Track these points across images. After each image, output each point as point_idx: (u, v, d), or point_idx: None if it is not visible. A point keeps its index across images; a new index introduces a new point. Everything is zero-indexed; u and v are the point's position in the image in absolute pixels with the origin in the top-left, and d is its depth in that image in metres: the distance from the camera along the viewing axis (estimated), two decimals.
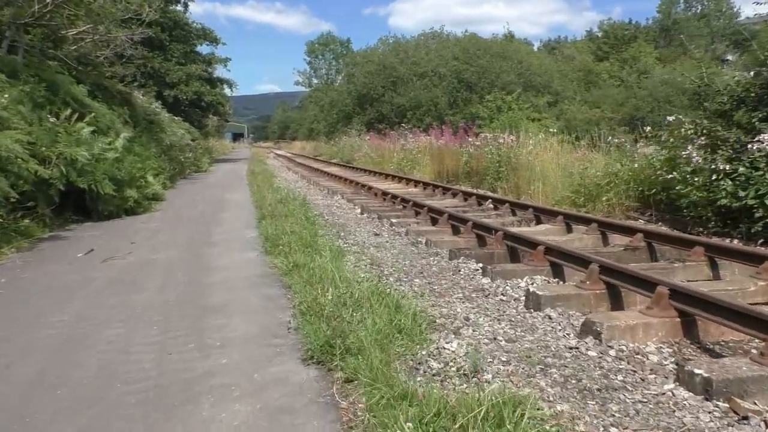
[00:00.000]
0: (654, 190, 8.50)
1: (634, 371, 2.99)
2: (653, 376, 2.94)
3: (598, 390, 2.74)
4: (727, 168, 7.07)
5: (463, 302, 4.22)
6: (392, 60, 37.36)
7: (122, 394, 2.73)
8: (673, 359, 3.18)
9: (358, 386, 2.66)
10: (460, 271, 5.23)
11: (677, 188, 7.73)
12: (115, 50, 14.34)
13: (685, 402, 2.64)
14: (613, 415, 2.49)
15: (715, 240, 6.27)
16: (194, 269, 5.35)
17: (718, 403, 2.62)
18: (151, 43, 21.83)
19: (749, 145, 6.95)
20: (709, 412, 2.54)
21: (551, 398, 2.60)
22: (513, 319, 3.82)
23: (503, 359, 3.06)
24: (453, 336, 3.38)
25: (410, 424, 2.18)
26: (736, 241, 6.59)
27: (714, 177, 7.16)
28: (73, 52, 12.49)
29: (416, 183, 14.21)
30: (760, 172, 6.69)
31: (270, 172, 18.81)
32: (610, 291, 4.16)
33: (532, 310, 4.03)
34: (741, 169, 6.89)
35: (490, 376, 2.81)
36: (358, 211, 9.56)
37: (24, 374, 2.98)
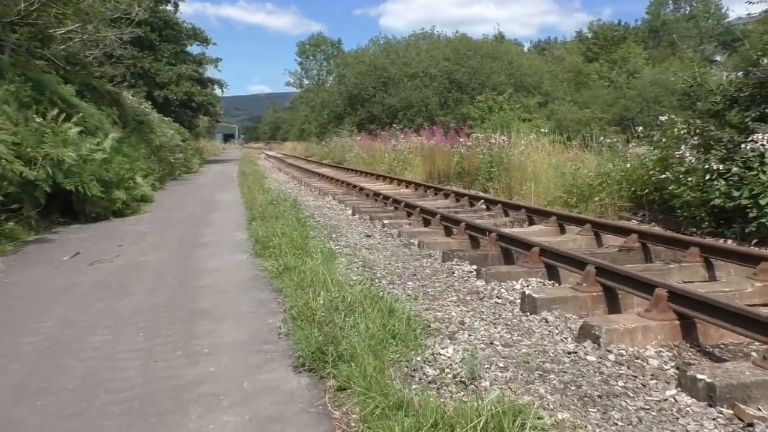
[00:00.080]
0: (647, 191, 8.47)
1: (635, 376, 2.92)
2: (654, 381, 2.87)
3: (599, 397, 2.67)
4: (721, 168, 7.04)
5: (457, 305, 4.14)
6: (383, 61, 37.35)
7: (106, 404, 2.62)
8: (673, 363, 3.11)
9: (351, 395, 2.57)
10: (453, 273, 5.15)
11: (670, 188, 7.70)
12: (104, 50, 14.14)
13: (688, 409, 2.57)
14: (616, 424, 2.41)
15: (710, 241, 6.23)
16: (183, 272, 5.23)
17: (721, 409, 2.55)
18: (141, 43, 21.65)
19: (742, 145, 6.93)
20: (713, 419, 2.48)
21: (551, 406, 2.53)
22: (509, 323, 3.75)
23: (501, 365, 2.98)
24: (448, 341, 3.30)
25: None
26: (729, 242, 6.56)
27: (707, 177, 7.13)
28: (61, 52, 12.29)
29: (408, 183, 14.13)
30: (754, 172, 6.67)
31: (261, 173, 18.68)
32: (607, 293, 4.09)
33: (528, 313, 3.96)
34: (734, 169, 6.87)
35: (487, 383, 2.73)
36: (350, 212, 9.47)
37: (4, 384, 2.86)
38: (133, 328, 3.66)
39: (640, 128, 9.68)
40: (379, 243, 6.64)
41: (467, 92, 33.88)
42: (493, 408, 2.19)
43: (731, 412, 2.54)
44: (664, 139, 8.40)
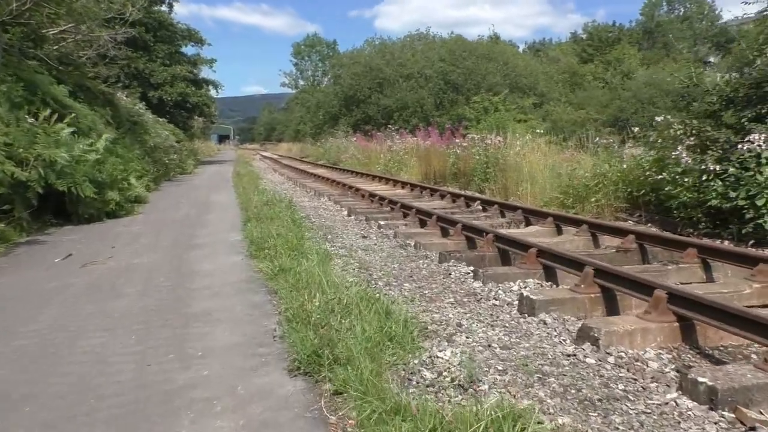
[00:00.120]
0: (643, 191, 8.45)
1: (635, 379, 2.88)
2: (655, 384, 2.83)
3: (600, 400, 2.62)
4: (717, 168, 7.02)
5: (455, 307, 4.09)
6: (378, 61, 37.32)
7: (96, 410, 2.56)
8: (673, 366, 3.07)
9: (347, 399, 2.51)
10: (450, 274, 5.11)
11: (667, 189, 7.68)
12: (98, 50, 14.03)
13: (689, 412, 2.53)
14: (617, 429, 2.37)
15: (708, 242, 6.20)
16: (177, 274, 5.17)
17: (723, 413, 2.51)
18: (135, 44, 21.51)
19: (739, 145, 6.91)
20: (715, 423, 2.44)
21: (552, 410, 2.48)
22: (507, 325, 3.70)
23: (499, 368, 2.94)
24: (446, 343, 3.25)
25: None
26: (726, 242, 6.54)
27: (704, 178, 7.11)
28: (54, 52, 12.17)
29: (403, 184, 14.08)
30: (750, 173, 6.65)
31: (256, 174, 18.59)
32: (605, 295, 4.05)
33: (526, 315, 3.91)
34: (731, 170, 6.85)
35: (486, 386, 2.68)
36: (346, 213, 9.42)
37: None
38: (124, 331, 3.59)
39: (636, 129, 9.66)
40: (375, 244, 6.59)
41: (462, 93, 33.88)
42: (492, 413, 2.15)
43: (733, 415, 2.50)
44: (660, 140, 8.38)
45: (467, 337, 3.40)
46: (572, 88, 44.76)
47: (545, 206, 9.55)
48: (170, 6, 25.55)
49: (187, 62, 27.37)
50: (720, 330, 3.32)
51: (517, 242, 5.48)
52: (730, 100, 7.86)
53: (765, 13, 8.59)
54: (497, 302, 4.23)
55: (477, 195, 11.25)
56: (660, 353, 3.25)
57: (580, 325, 3.48)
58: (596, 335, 3.28)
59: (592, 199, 8.84)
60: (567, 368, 2.99)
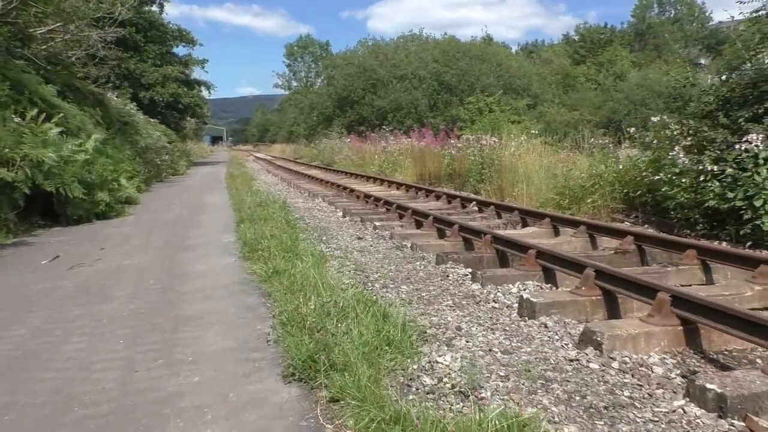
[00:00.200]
0: (639, 192, 8.39)
1: (641, 386, 2.78)
2: (661, 390, 2.73)
3: (605, 408, 2.53)
4: (715, 169, 6.96)
5: (453, 310, 3.99)
6: (372, 62, 37.22)
7: (80, 419, 2.44)
8: (678, 371, 2.99)
9: (344, 407, 2.41)
10: (448, 276, 5.01)
11: (663, 190, 7.62)
12: (87, 50, 13.85)
13: (698, 420, 2.44)
14: None
15: (707, 243, 6.13)
16: (168, 276, 5.04)
17: (733, 421, 2.42)
18: (125, 44, 21.33)
19: (736, 146, 6.86)
20: None
21: (557, 418, 2.39)
22: (507, 329, 3.61)
23: (501, 374, 2.84)
24: (446, 348, 3.15)
25: None
26: (724, 244, 6.49)
27: (701, 178, 7.05)
28: (42, 52, 11.98)
29: (398, 185, 13.99)
30: (748, 173, 6.59)
31: (249, 175, 18.44)
32: (607, 297, 3.97)
33: (526, 318, 3.82)
34: (728, 170, 6.79)
35: (488, 393, 2.58)
36: (340, 214, 9.31)
37: None
38: (112, 336, 3.48)
39: (632, 129, 9.61)
40: (371, 245, 6.48)
41: (456, 94, 33.85)
42: (497, 422, 2.05)
43: (743, 424, 2.41)
44: (656, 141, 8.32)
45: (467, 341, 3.31)
46: (565, 90, 44.89)
47: (541, 207, 9.47)
48: (161, 6, 25.40)
49: (179, 63, 27.20)
50: (725, 334, 3.24)
51: (515, 243, 5.39)
52: (727, 100, 7.82)
53: (759, 13, 8.57)
54: (497, 305, 4.14)
55: (473, 196, 11.17)
56: (664, 358, 3.16)
57: (582, 329, 3.39)
58: (599, 339, 3.19)
59: (588, 200, 8.77)
60: (570, 374, 2.89)
